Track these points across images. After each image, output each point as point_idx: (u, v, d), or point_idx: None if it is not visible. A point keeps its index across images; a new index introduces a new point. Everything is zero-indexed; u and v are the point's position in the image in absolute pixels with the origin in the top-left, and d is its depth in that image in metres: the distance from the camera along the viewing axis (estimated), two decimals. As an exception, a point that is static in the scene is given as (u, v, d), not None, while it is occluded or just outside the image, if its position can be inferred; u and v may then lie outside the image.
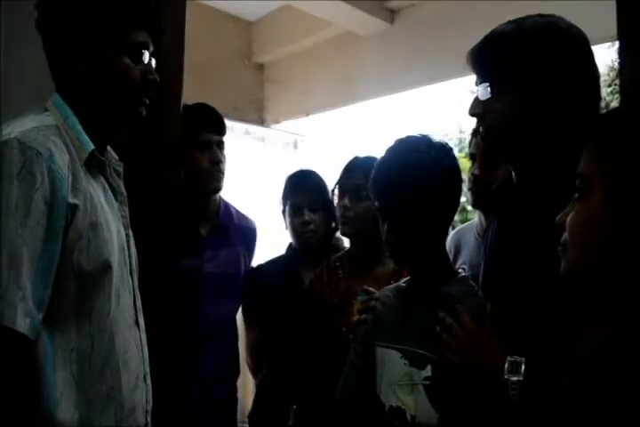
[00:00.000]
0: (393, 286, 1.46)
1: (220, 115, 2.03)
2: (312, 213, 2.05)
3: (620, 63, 0.74)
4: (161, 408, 1.30)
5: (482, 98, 1.20)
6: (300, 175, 2.16)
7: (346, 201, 1.82)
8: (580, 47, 1.15)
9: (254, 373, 2.26)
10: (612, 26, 0.73)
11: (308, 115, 4.05)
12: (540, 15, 1.19)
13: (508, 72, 1.16)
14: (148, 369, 1.25)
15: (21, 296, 0.99)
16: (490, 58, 1.18)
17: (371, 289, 1.50)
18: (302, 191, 2.08)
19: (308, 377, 1.90)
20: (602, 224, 0.80)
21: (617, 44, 0.74)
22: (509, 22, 1.19)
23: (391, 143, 1.36)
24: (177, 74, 1.67)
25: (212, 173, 1.95)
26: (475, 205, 1.89)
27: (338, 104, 3.85)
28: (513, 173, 1.26)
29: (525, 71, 1.14)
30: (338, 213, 1.86)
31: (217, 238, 2.02)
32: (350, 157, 1.95)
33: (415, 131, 1.38)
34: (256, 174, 3.84)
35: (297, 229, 2.07)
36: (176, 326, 1.69)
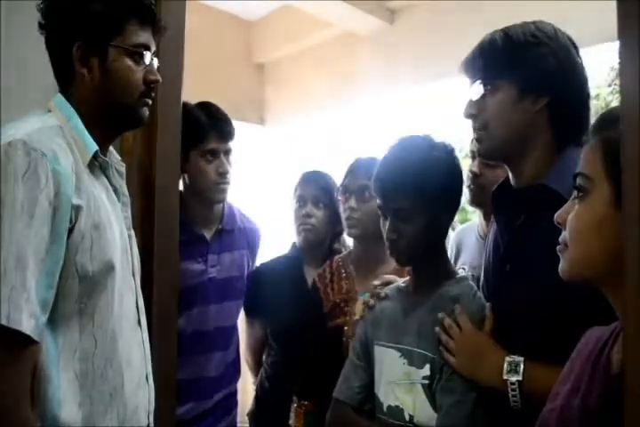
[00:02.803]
0: (393, 285, 1.46)
1: (230, 120, 1.97)
2: (315, 208, 2.06)
3: (620, 63, 0.74)
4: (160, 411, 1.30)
5: (475, 97, 1.22)
6: (312, 172, 2.18)
7: (352, 202, 1.82)
8: (567, 48, 1.19)
9: (254, 371, 2.27)
10: (612, 26, 0.73)
11: (308, 115, 4.05)
12: (526, 22, 1.22)
13: (500, 71, 1.18)
14: (150, 369, 1.25)
15: (26, 298, 1.00)
16: (482, 58, 1.21)
17: (377, 291, 1.49)
18: (309, 185, 2.10)
19: (309, 375, 1.90)
20: (606, 225, 0.79)
21: (617, 43, 0.74)
22: (498, 29, 1.23)
23: (394, 142, 1.37)
24: (177, 74, 1.67)
25: (218, 183, 1.92)
26: (472, 203, 1.89)
27: (337, 104, 3.85)
28: (510, 175, 1.26)
29: (517, 69, 1.17)
30: (344, 215, 1.86)
31: (221, 242, 2.01)
32: (350, 158, 1.96)
33: (416, 130, 1.39)
34: (255, 175, 3.84)
35: (297, 220, 2.09)
36: (180, 330, 1.69)
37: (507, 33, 1.20)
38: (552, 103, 1.17)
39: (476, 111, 1.22)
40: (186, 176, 1.94)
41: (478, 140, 1.24)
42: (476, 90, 1.21)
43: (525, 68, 1.16)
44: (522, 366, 1.09)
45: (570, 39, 1.21)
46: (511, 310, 1.18)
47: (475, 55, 1.23)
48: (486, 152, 1.26)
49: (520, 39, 1.18)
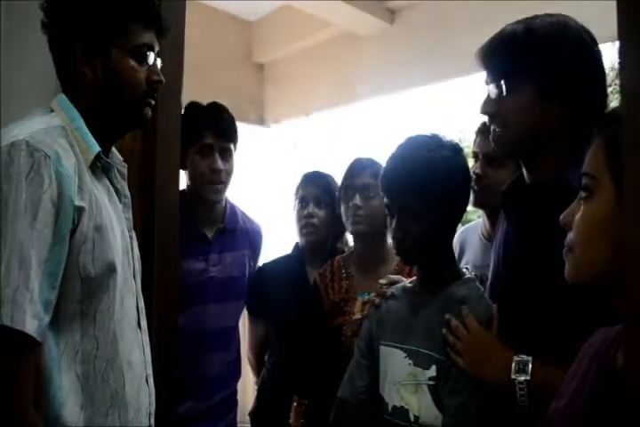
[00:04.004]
0: (399, 285, 1.46)
1: (232, 120, 1.96)
2: (316, 208, 2.06)
3: (620, 63, 0.73)
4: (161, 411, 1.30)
5: (494, 96, 1.19)
6: (313, 173, 2.19)
7: (357, 200, 1.83)
8: (588, 45, 1.17)
9: (256, 370, 2.27)
10: (612, 26, 0.73)
11: (308, 115, 4.05)
12: (548, 14, 1.19)
13: (520, 69, 1.16)
14: (150, 371, 1.25)
15: (30, 298, 0.99)
16: (502, 55, 1.18)
17: (384, 290, 1.48)
18: (311, 186, 2.11)
19: (310, 375, 1.90)
20: (611, 224, 0.79)
21: (617, 43, 0.74)
22: (519, 21, 1.20)
23: (402, 141, 1.37)
24: (177, 74, 1.67)
25: (211, 181, 1.90)
26: (475, 205, 1.89)
27: (338, 104, 3.85)
28: (525, 173, 1.25)
29: (538, 67, 1.14)
30: (349, 213, 1.86)
31: (222, 242, 2.00)
32: (350, 158, 1.96)
33: (417, 130, 1.39)
34: (256, 175, 3.84)
35: (299, 221, 2.09)
36: (180, 330, 1.69)
37: (528, 28, 1.16)
38: (572, 102, 1.15)
39: (494, 110, 1.20)
40: (186, 174, 1.95)
41: (496, 138, 1.22)
42: (496, 88, 1.18)
43: (546, 67, 1.13)
44: (530, 366, 1.09)
45: (592, 36, 1.18)
46: (519, 310, 1.17)
47: (494, 49, 1.19)
48: (505, 151, 1.25)
49: (542, 36, 1.14)
